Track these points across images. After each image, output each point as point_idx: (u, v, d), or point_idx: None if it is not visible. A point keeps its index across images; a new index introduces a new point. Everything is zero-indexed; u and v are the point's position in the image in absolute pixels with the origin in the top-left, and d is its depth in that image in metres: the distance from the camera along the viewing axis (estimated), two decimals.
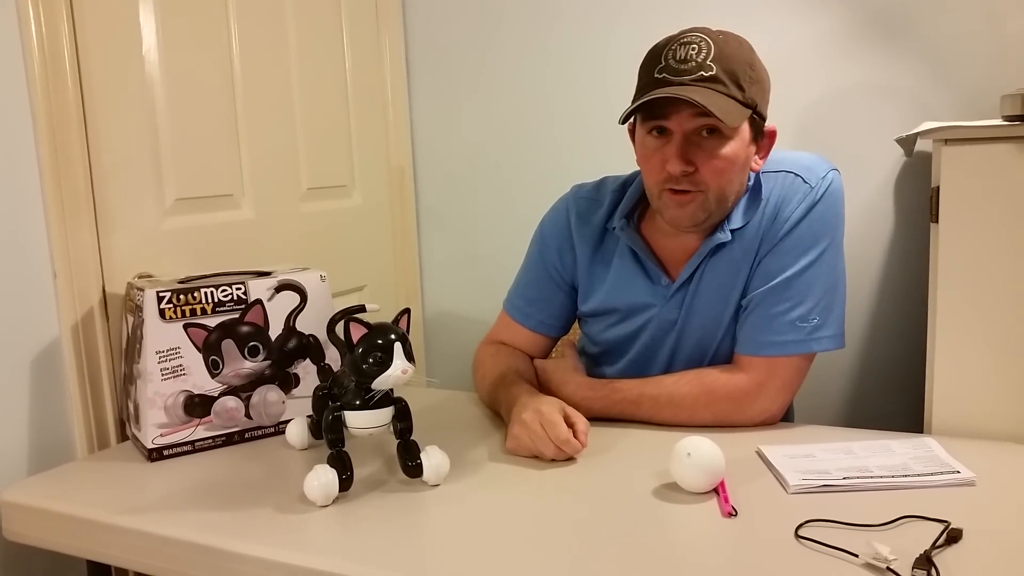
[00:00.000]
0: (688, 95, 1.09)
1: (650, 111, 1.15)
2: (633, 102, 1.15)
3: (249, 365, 1.23)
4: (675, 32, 1.17)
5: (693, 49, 1.13)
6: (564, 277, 1.36)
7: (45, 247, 1.26)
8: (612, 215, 1.31)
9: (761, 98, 1.16)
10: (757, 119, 1.16)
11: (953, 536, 0.85)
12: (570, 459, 1.11)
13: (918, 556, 0.80)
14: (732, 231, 1.21)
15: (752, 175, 1.23)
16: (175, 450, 1.19)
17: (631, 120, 1.20)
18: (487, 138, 1.96)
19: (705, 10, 1.67)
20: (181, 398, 1.18)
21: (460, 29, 1.94)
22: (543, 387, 1.28)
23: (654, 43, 1.18)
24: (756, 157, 1.20)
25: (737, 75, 1.12)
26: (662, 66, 1.14)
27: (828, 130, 1.64)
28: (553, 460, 1.10)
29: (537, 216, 1.41)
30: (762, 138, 1.19)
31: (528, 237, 1.41)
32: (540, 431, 1.10)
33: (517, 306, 1.40)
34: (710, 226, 1.22)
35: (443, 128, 2.00)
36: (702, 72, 1.12)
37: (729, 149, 1.14)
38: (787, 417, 1.27)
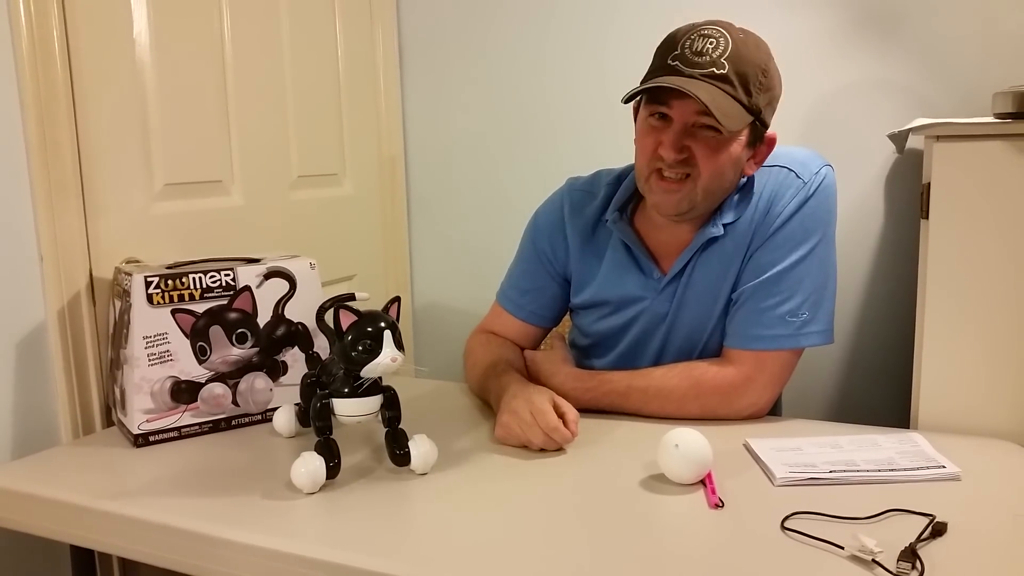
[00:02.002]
0: (694, 91, 1.08)
1: (655, 96, 1.15)
2: (641, 83, 1.15)
3: (237, 352, 1.22)
4: (673, 26, 1.17)
5: (711, 43, 1.12)
6: (557, 268, 1.36)
7: (32, 230, 1.25)
8: (606, 208, 1.31)
9: (768, 105, 1.15)
10: (759, 125, 1.15)
11: (938, 530, 0.85)
12: (559, 449, 1.11)
13: (903, 549, 0.81)
14: (724, 225, 1.21)
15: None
16: (161, 436, 1.18)
17: (636, 99, 1.19)
18: (479, 128, 1.95)
19: (703, 4, 1.66)
20: (168, 384, 1.18)
21: (454, 18, 1.93)
22: (532, 378, 1.28)
23: (652, 33, 1.17)
24: (750, 162, 1.19)
25: (748, 79, 1.11)
26: (677, 53, 1.14)
27: (821, 125, 1.64)
28: (541, 450, 1.10)
29: (528, 206, 1.41)
30: (760, 144, 1.18)
31: (519, 227, 1.41)
32: (529, 419, 1.10)
33: (509, 296, 1.39)
34: (698, 219, 1.22)
35: (435, 118, 1.99)
36: (714, 69, 1.11)
37: (724, 148, 1.14)
38: (775, 411, 1.28)
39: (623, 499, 0.97)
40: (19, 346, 1.24)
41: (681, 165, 1.15)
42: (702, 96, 1.08)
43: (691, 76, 1.11)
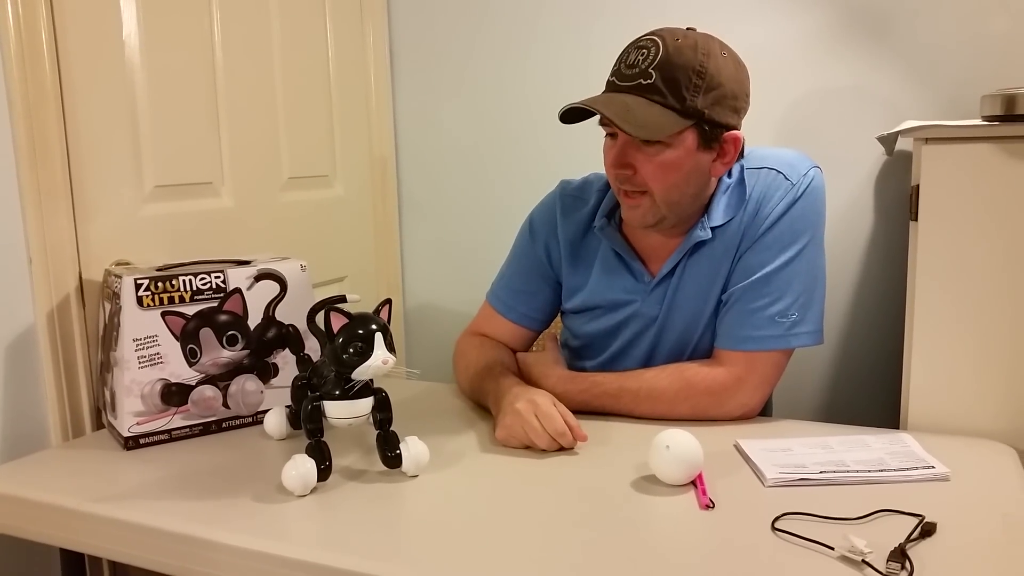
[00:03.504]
0: (600, 106, 1.11)
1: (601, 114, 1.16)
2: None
3: (227, 354, 1.22)
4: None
5: (642, 54, 1.13)
6: (550, 272, 1.36)
7: (21, 233, 1.24)
8: (595, 214, 1.31)
9: (716, 105, 1.13)
10: (707, 127, 1.14)
11: (927, 530, 0.86)
12: (562, 450, 1.11)
13: (893, 549, 0.81)
14: (713, 228, 1.21)
15: (735, 172, 1.23)
16: (151, 439, 1.18)
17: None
18: (470, 129, 1.95)
19: (688, 7, 1.67)
20: (158, 386, 1.17)
21: (444, 19, 1.93)
22: (524, 379, 1.27)
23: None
24: (716, 164, 1.18)
25: (679, 83, 1.11)
26: (615, 69, 1.17)
27: (810, 128, 1.65)
28: (544, 451, 1.11)
29: (519, 207, 1.41)
30: (720, 145, 1.17)
31: (510, 228, 1.41)
32: (535, 423, 1.10)
33: (500, 298, 1.39)
34: (683, 223, 1.23)
35: (426, 119, 1.99)
36: (641, 80, 1.12)
37: (667, 156, 1.14)
38: (765, 411, 1.28)
39: (614, 500, 0.97)
40: (8, 349, 1.24)
41: (629, 182, 1.17)
42: (610, 110, 1.10)
43: (620, 90, 1.14)
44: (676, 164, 1.15)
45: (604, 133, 1.21)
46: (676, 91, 1.11)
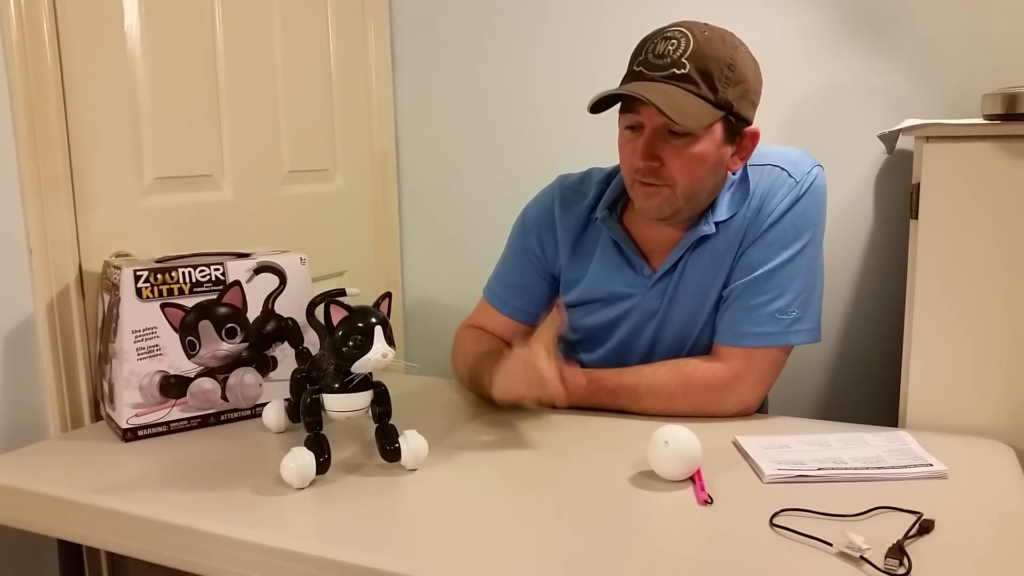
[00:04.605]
0: (647, 93, 1.09)
1: (626, 104, 1.16)
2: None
3: (226, 347, 1.22)
4: (666, 23, 1.17)
5: (672, 44, 1.13)
6: (545, 266, 1.36)
7: (21, 223, 1.24)
8: (596, 206, 1.31)
9: (742, 99, 1.14)
10: (733, 120, 1.15)
11: (925, 527, 0.86)
12: (555, 408, 1.11)
13: (891, 546, 0.81)
14: (717, 223, 1.22)
15: (740, 169, 1.23)
16: (150, 431, 1.18)
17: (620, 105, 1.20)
18: (471, 124, 1.95)
19: (692, 4, 1.67)
20: (157, 378, 1.17)
21: (446, 13, 1.92)
22: None
23: (643, 32, 1.18)
24: (734, 158, 1.19)
25: (711, 75, 1.11)
26: (641, 59, 1.16)
27: (811, 125, 1.65)
28: (537, 410, 1.12)
29: (519, 202, 1.41)
30: (740, 139, 1.18)
31: (510, 223, 1.41)
32: (521, 371, 1.10)
33: (496, 292, 1.39)
34: (687, 218, 1.23)
35: (427, 113, 1.99)
36: (675, 69, 1.12)
37: (696, 148, 1.14)
38: (761, 409, 1.28)
39: (613, 495, 0.97)
40: (7, 339, 1.23)
41: (654, 175, 1.16)
42: (655, 98, 1.09)
43: (652, 79, 1.13)
44: (704, 157, 1.15)
45: (618, 127, 1.20)
46: (710, 82, 1.11)
